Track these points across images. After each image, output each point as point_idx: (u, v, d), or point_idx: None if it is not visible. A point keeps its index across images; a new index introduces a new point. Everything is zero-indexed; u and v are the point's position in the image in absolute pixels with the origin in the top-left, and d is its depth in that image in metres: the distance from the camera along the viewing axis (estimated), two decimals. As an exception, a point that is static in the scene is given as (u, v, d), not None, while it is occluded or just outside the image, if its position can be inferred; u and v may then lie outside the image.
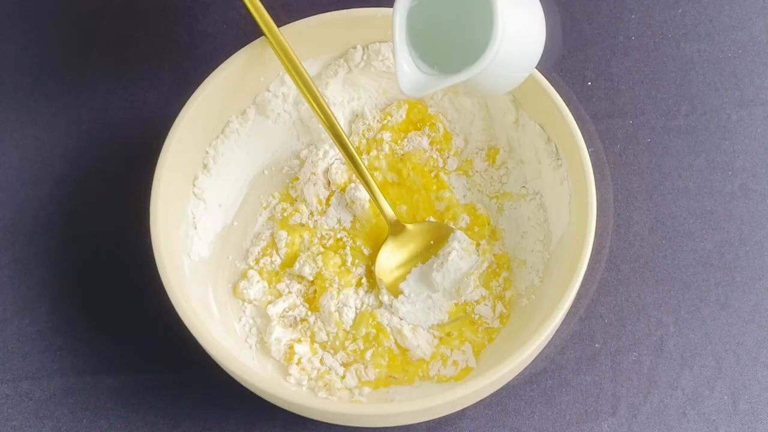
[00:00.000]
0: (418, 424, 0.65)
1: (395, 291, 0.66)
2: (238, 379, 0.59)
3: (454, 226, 0.68)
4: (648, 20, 0.77)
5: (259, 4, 0.63)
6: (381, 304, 0.66)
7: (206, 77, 0.65)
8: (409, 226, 0.67)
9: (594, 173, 0.61)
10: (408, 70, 0.55)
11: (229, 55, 0.65)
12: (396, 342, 0.65)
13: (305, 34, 0.66)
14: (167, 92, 0.75)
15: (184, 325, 0.58)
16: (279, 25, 0.64)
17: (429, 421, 0.64)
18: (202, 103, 0.65)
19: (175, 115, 0.64)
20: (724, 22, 0.77)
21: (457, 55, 0.57)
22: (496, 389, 0.61)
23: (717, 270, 0.69)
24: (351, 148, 0.65)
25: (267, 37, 0.64)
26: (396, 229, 0.67)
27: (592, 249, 0.59)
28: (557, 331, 0.64)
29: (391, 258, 0.67)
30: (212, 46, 0.76)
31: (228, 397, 0.65)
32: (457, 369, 0.64)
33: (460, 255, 0.66)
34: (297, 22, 0.66)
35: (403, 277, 0.67)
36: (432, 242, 0.67)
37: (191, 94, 0.64)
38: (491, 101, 0.69)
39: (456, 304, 0.66)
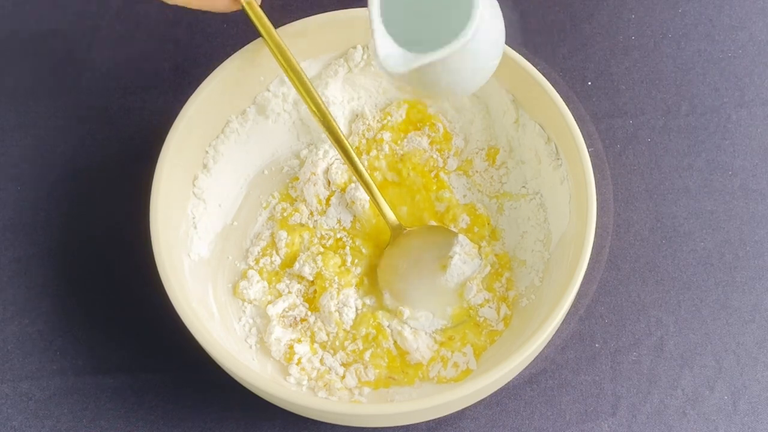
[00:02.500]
0: (418, 424, 0.65)
1: (399, 296, 0.66)
2: (238, 379, 0.59)
3: (456, 230, 0.68)
4: (648, 20, 0.77)
5: (257, 8, 0.63)
6: (382, 307, 0.66)
7: (206, 77, 0.65)
8: (411, 230, 0.67)
9: (594, 173, 0.61)
10: (388, 46, 0.53)
11: (229, 55, 0.65)
12: (395, 343, 0.65)
13: (305, 34, 0.66)
14: (167, 92, 0.75)
15: (184, 325, 0.58)
16: (279, 26, 0.64)
17: (429, 421, 0.64)
18: (202, 103, 0.65)
19: (175, 115, 0.64)
20: (724, 21, 0.77)
21: (433, 40, 0.56)
22: (495, 389, 0.61)
23: (717, 270, 0.69)
24: (351, 151, 0.65)
25: (265, 40, 0.63)
26: (398, 233, 0.67)
27: (592, 249, 0.59)
28: (557, 331, 0.64)
29: (393, 263, 0.67)
30: (212, 46, 0.76)
31: (228, 397, 0.65)
32: (458, 371, 0.64)
33: (463, 259, 0.66)
34: (297, 22, 0.66)
35: (407, 282, 0.66)
36: (434, 246, 0.67)
37: (191, 94, 0.64)
38: (491, 101, 0.69)
39: (460, 308, 0.66)
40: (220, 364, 0.59)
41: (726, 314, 0.68)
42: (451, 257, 0.66)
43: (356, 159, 0.65)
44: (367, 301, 0.67)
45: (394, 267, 0.67)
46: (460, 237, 0.67)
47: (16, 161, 0.73)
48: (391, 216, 0.66)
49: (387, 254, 0.67)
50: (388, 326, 0.65)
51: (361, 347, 0.65)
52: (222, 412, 0.65)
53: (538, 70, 0.64)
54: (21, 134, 0.74)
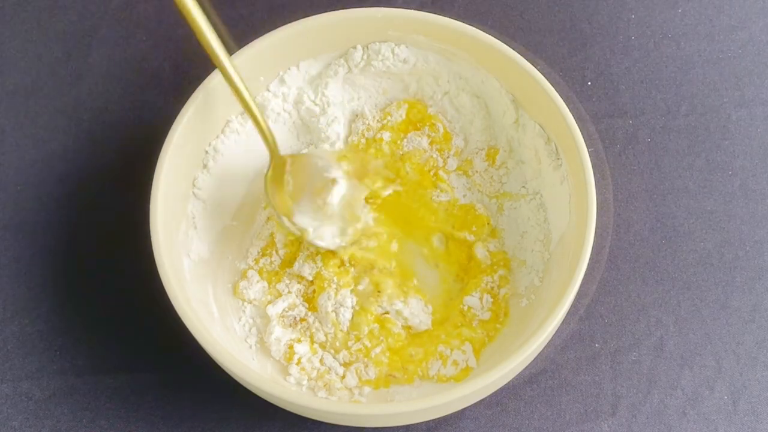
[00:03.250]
0: (418, 424, 0.65)
1: (297, 219, 0.66)
2: (238, 379, 0.59)
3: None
4: (648, 20, 0.77)
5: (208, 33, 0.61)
6: (340, 264, 0.66)
7: (206, 77, 0.65)
8: (295, 156, 0.67)
9: (594, 173, 0.61)
10: None
11: (230, 55, 0.65)
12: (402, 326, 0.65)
13: (305, 34, 0.66)
14: (167, 92, 0.75)
15: (184, 325, 0.58)
16: (280, 25, 0.64)
17: (429, 421, 0.64)
18: (201, 102, 0.64)
19: (174, 114, 0.64)
20: (723, 21, 0.77)
21: None
22: (496, 389, 0.61)
23: (717, 270, 0.69)
24: (232, 74, 0.62)
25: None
26: (278, 160, 0.66)
27: (592, 249, 0.59)
28: (557, 331, 0.64)
29: (283, 188, 0.66)
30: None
31: (228, 397, 0.65)
32: (457, 369, 0.64)
33: (341, 184, 0.66)
34: (297, 22, 0.66)
35: (300, 204, 0.66)
36: (314, 172, 0.67)
37: (191, 94, 0.64)
38: (491, 101, 0.69)
39: (354, 228, 0.66)
40: (220, 364, 0.58)
41: (726, 314, 0.68)
42: (334, 180, 0.66)
43: (237, 81, 0.62)
44: (359, 287, 0.66)
45: (285, 192, 0.66)
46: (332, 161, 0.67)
47: (15, 161, 0.73)
48: (273, 144, 0.65)
49: (271, 180, 0.66)
50: (384, 312, 0.65)
51: (369, 345, 0.65)
52: (222, 412, 0.65)
53: (538, 70, 0.64)
54: (21, 134, 0.74)
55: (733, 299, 0.68)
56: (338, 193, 0.66)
